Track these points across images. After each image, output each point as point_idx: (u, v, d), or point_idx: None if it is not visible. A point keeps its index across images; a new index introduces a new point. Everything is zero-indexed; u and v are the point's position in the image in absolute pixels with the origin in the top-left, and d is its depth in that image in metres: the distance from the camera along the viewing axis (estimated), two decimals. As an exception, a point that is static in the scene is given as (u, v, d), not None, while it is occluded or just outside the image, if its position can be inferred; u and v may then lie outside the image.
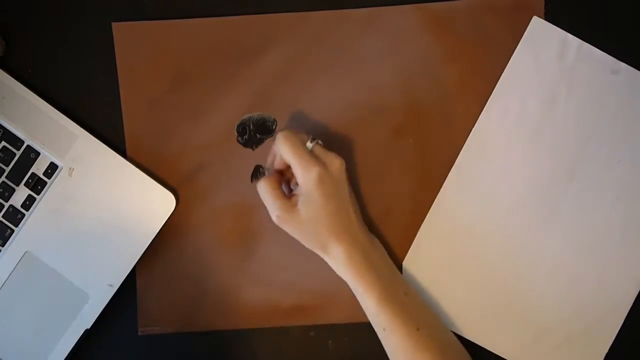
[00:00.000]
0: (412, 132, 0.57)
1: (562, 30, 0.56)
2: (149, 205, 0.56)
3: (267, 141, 0.57)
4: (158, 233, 0.56)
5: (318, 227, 0.50)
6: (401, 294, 0.52)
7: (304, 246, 0.52)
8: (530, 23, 0.56)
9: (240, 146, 0.57)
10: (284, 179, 0.54)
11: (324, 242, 0.51)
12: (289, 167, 0.52)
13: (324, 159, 0.51)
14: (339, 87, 0.57)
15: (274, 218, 0.51)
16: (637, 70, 0.56)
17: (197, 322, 0.57)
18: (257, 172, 0.57)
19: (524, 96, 0.56)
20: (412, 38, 0.57)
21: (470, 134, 0.56)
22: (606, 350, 0.55)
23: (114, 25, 0.57)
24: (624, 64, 0.56)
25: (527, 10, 0.57)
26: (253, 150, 0.57)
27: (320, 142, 0.52)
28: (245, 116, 0.57)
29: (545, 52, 0.56)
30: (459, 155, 0.56)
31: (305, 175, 0.49)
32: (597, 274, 0.56)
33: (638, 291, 0.55)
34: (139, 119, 0.57)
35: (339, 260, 0.51)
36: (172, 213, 0.56)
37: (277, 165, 0.53)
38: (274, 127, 0.57)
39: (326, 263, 0.53)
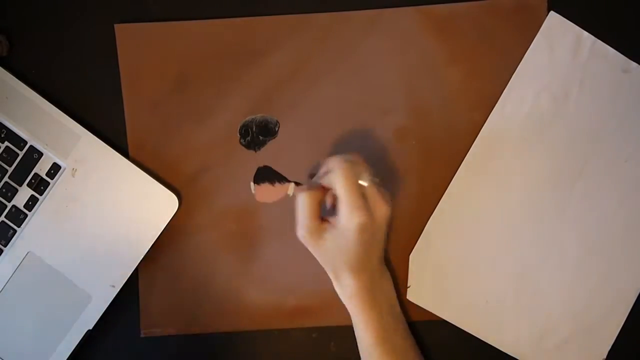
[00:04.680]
0: (415, 134, 0.57)
1: (577, 26, 0.57)
2: (152, 206, 0.56)
3: (269, 143, 0.57)
4: (160, 234, 0.56)
5: (337, 260, 0.50)
6: (399, 338, 0.53)
7: (307, 248, 0.51)
8: (547, 18, 0.56)
9: (243, 148, 0.57)
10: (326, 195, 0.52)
11: (338, 272, 0.51)
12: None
13: (372, 203, 0.49)
14: (342, 89, 0.57)
15: (298, 234, 0.50)
16: None
17: (199, 324, 0.57)
18: (260, 174, 0.57)
19: (538, 90, 0.57)
20: (415, 40, 0.57)
21: (483, 127, 0.57)
22: (609, 347, 0.55)
23: (117, 26, 0.57)
24: (634, 63, 0.57)
25: (530, 12, 0.57)
26: (256, 152, 0.57)
27: (377, 180, 0.50)
28: (248, 118, 0.57)
29: (560, 47, 0.57)
30: (470, 149, 0.57)
31: (349, 219, 0.48)
32: (602, 270, 0.56)
33: None
34: (141, 120, 0.57)
35: (346, 292, 0.51)
36: (175, 214, 0.56)
37: (325, 183, 0.50)
38: (276, 128, 0.57)
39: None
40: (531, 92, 0.57)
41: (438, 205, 0.57)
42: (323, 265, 0.52)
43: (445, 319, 0.56)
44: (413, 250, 0.57)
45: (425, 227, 0.57)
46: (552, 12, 0.57)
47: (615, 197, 0.56)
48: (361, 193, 0.49)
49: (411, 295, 0.56)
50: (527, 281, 0.56)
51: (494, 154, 0.56)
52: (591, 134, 0.56)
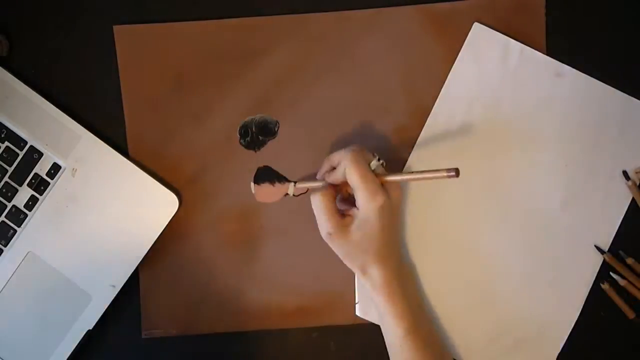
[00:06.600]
0: (415, 132, 0.57)
1: (503, 35, 0.56)
2: (152, 206, 0.56)
3: (269, 143, 0.57)
4: (161, 234, 0.56)
5: (365, 251, 0.50)
6: (426, 329, 0.52)
7: (306, 248, 0.52)
8: (472, 29, 0.56)
9: (243, 148, 0.57)
10: (337, 191, 0.52)
11: (366, 265, 0.50)
12: (345, 183, 0.51)
13: (387, 185, 0.50)
14: (341, 88, 0.57)
15: (323, 234, 0.50)
16: (581, 73, 0.56)
17: (200, 325, 0.57)
18: (260, 174, 0.57)
19: (469, 101, 0.56)
20: (414, 39, 0.57)
21: (418, 138, 0.56)
22: (558, 352, 0.55)
23: (116, 28, 0.57)
24: (567, 67, 0.56)
25: (529, 10, 0.57)
26: (255, 152, 0.57)
27: (383, 163, 0.51)
28: (248, 118, 0.57)
29: (488, 57, 0.56)
30: (408, 161, 0.56)
31: (368, 204, 0.48)
32: (548, 276, 0.55)
33: (587, 293, 0.55)
34: (141, 120, 0.57)
35: (376, 284, 0.50)
36: (175, 214, 0.56)
37: (335, 180, 0.51)
38: (276, 128, 0.57)
39: (329, 265, 0.53)
40: (462, 104, 0.56)
41: None
42: (349, 262, 0.51)
43: None
44: None
45: None
46: (476, 24, 0.56)
47: (558, 201, 0.55)
48: (375, 178, 0.49)
49: (360, 311, 0.56)
50: (475, 289, 0.56)
51: (431, 164, 0.54)
52: (530, 139, 0.56)
